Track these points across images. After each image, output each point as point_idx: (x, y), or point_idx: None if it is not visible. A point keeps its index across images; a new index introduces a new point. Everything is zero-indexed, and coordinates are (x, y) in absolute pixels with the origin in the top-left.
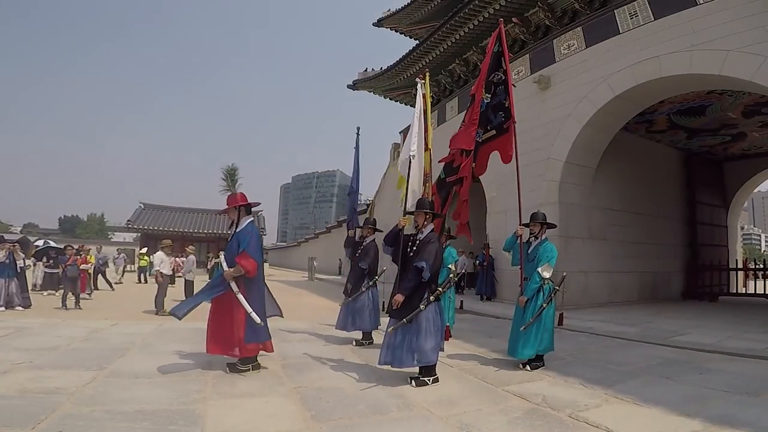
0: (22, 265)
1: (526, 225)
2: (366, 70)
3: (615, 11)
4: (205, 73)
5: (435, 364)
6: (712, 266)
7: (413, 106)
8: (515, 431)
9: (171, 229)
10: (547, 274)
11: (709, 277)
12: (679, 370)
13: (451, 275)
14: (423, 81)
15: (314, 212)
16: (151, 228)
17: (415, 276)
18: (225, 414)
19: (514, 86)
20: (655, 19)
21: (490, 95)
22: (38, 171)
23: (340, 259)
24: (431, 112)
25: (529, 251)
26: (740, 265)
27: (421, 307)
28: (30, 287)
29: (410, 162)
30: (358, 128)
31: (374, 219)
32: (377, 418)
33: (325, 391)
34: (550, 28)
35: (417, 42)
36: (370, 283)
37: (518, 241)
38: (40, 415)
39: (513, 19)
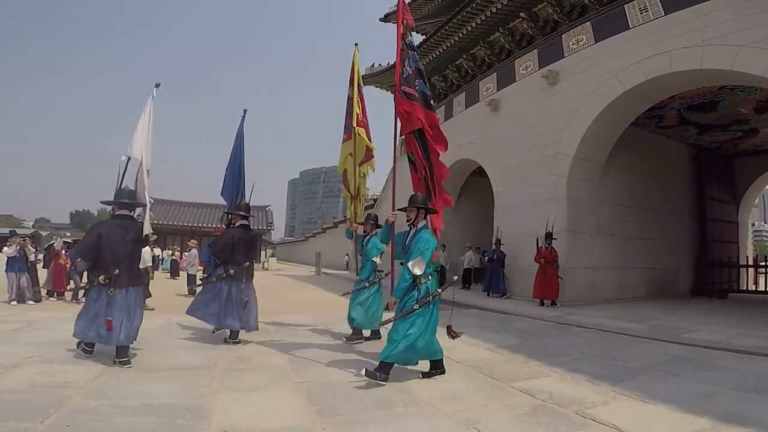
0: (33, 259)
1: (403, 209)
2: (372, 66)
3: (625, 6)
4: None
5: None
6: (722, 263)
7: None
8: (521, 427)
9: (177, 224)
10: (418, 270)
11: (719, 273)
12: (687, 368)
13: (378, 270)
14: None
15: (322, 207)
16: (158, 222)
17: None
18: (232, 408)
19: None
20: (665, 14)
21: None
22: (50, 167)
23: (347, 254)
24: (437, 107)
25: (407, 242)
26: (751, 262)
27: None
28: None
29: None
30: (245, 111)
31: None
32: (383, 413)
33: (331, 385)
34: (559, 23)
35: (424, 37)
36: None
37: (393, 230)
38: (49, 409)
39: (521, 14)
